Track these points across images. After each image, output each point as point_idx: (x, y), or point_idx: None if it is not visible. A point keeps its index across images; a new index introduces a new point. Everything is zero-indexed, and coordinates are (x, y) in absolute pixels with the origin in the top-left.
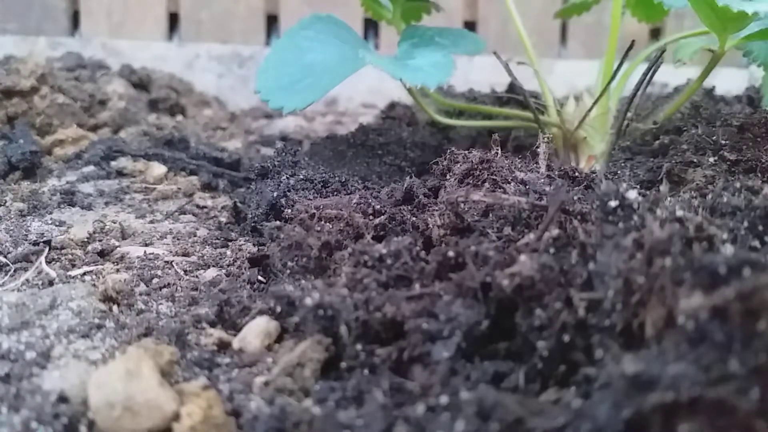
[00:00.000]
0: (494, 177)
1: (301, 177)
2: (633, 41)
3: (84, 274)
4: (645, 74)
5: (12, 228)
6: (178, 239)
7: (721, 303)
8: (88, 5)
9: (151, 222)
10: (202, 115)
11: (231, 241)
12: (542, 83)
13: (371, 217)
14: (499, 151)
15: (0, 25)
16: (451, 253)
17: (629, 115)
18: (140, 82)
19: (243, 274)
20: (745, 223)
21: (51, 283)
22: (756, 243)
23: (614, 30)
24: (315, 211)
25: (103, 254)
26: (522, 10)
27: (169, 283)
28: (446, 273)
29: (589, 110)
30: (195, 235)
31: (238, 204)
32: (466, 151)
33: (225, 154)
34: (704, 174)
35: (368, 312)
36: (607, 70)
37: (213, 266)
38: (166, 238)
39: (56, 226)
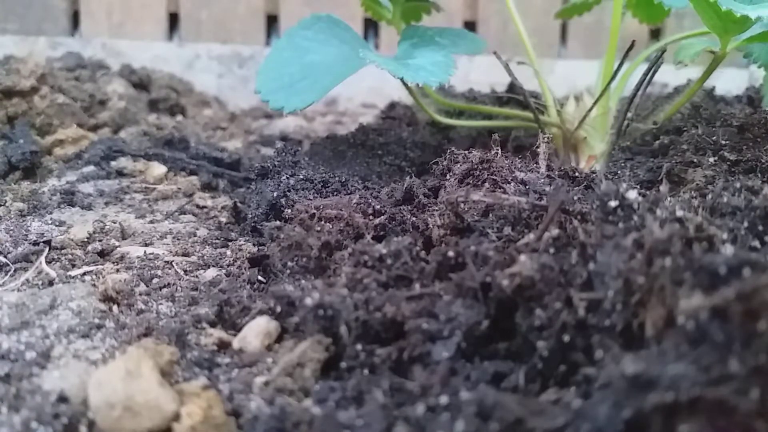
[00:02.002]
0: (494, 177)
1: (301, 177)
2: (633, 41)
3: (84, 274)
4: (645, 74)
5: (12, 228)
6: (178, 239)
7: (721, 303)
8: (88, 5)
9: (151, 222)
10: (202, 115)
11: (231, 241)
12: (542, 83)
13: (371, 217)
14: (499, 151)
15: (0, 25)
16: (451, 253)
17: (629, 115)
18: (140, 82)
19: (243, 274)
20: (745, 223)
21: (51, 283)
22: (756, 243)
23: (614, 30)
24: (315, 211)
25: (103, 254)
26: (522, 10)
27: (169, 283)
28: (446, 273)
29: (589, 110)
30: (195, 235)
31: (238, 204)
32: (466, 151)
33: (225, 154)
34: (704, 174)
35: (368, 312)
36: (607, 70)
37: (213, 266)
38: (166, 238)
39: (56, 226)
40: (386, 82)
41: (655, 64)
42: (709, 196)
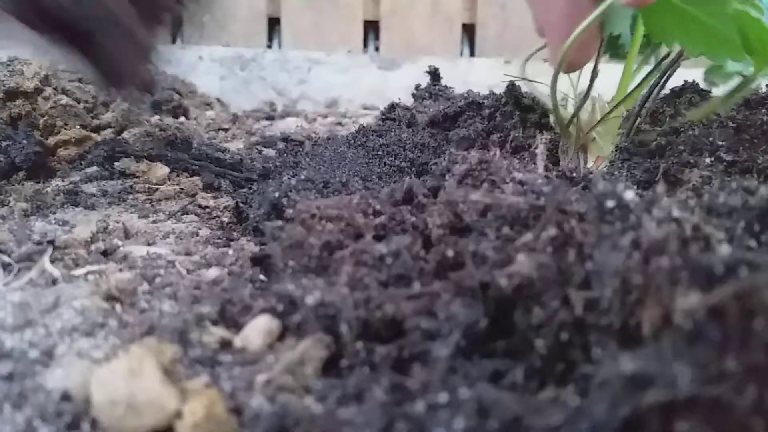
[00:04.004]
0: (493, 177)
1: (303, 177)
2: (650, 44)
3: (87, 273)
4: (660, 78)
5: (16, 228)
6: (180, 239)
7: (717, 302)
8: None
9: (154, 222)
10: (205, 117)
11: (233, 240)
12: (552, 85)
13: (371, 217)
14: (498, 152)
15: None
16: (450, 253)
17: (639, 120)
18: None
19: (245, 273)
20: (742, 223)
21: (54, 282)
22: (752, 243)
23: (636, 37)
24: (316, 211)
25: (106, 254)
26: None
27: (171, 282)
28: (445, 272)
29: (607, 114)
30: (197, 235)
31: (240, 204)
32: (465, 152)
33: (227, 155)
34: (701, 174)
35: (369, 311)
36: (626, 74)
37: (215, 265)
38: (168, 237)
39: (60, 225)
40: (386, 84)
41: (670, 68)
42: (706, 196)
